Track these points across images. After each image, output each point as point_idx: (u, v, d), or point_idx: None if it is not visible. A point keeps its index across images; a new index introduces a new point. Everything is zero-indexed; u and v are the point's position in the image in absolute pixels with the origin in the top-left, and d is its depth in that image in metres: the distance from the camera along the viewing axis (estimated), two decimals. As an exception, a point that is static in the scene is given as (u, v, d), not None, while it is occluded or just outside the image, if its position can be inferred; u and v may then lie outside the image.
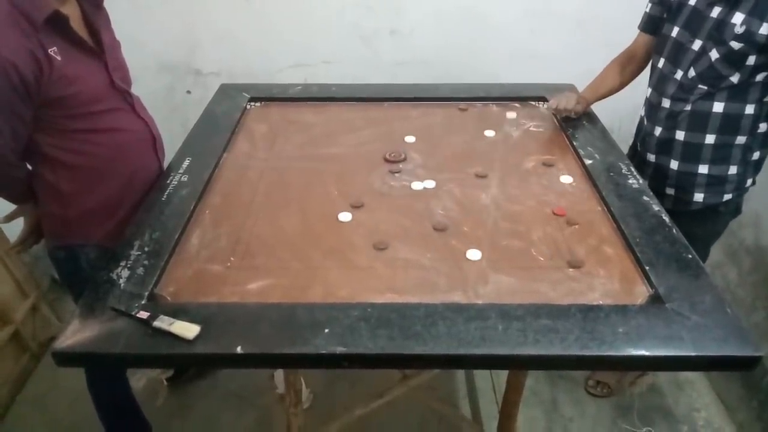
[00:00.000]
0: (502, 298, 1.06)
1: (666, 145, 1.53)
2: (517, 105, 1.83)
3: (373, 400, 1.61)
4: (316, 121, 1.75)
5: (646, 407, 1.95)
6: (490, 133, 1.67)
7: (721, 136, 1.45)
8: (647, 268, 1.11)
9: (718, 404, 1.97)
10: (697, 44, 1.40)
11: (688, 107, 1.45)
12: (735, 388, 1.96)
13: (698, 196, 1.53)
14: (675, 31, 1.46)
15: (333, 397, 1.95)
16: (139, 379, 2.00)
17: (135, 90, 1.41)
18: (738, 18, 1.31)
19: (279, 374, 1.77)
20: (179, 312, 1.01)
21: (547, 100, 1.78)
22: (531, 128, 1.70)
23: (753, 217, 1.99)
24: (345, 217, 1.30)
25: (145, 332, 0.98)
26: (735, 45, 1.32)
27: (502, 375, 1.75)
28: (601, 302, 1.05)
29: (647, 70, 1.63)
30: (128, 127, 1.36)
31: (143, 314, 1.00)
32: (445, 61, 2.30)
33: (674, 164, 1.53)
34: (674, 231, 1.22)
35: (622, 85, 1.68)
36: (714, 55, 1.36)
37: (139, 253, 1.16)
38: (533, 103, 1.85)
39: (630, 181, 1.39)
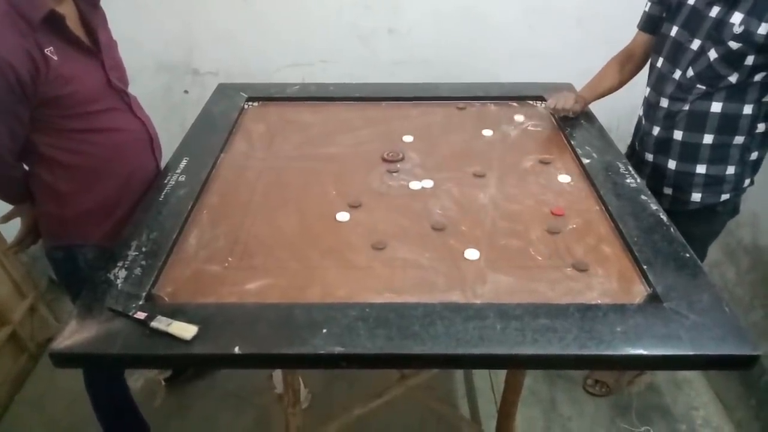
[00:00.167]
0: (500, 298, 1.06)
1: (664, 145, 1.53)
2: (517, 105, 1.83)
3: (372, 400, 1.61)
4: (314, 121, 1.75)
5: (645, 406, 1.96)
6: (488, 132, 1.67)
7: (719, 136, 1.45)
8: (645, 267, 1.11)
9: (717, 403, 1.98)
10: (696, 44, 1.40)
11: (687, 107, 1.45)
12: (733, 386, 1.96)
13: (696, 196, 1.53)
14: (674, 31, 1.46)
15: (331, 397, 1.95)
16: (137, 380, 2.00)
17: (133, 90, 1.41)
18: (737, 18, 1.31)
19: (277, 374, 1.77)
20: (177, 312, 1.00)
21: (545, 100, 1.78)
22: (529, 127, 1.70)
23: (751, 216, 2.00)
24: (343, 216, 1.30)
25: (143, 333, 0.98)
26: (733, 45, 1.32)
27: (501, 374, 1.75)
28: (599, 301, 1.05)
29: (646, 69, 1.63)
30: (125, 126, 1.35)
31: (141, 315, 1.00)
32: (444, 60, 2.30)
33: (672, 164, 1.53)
34: (672, 230, 1.22)
35: (620, 84, 1.68)
36: (713, 54, 1.36)
37: (137, 253, 1.16)
38: (531, 102, 1.85)
39: (628, 181, 1.39)
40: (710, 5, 1.36)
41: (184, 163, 1.47)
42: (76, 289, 1.30)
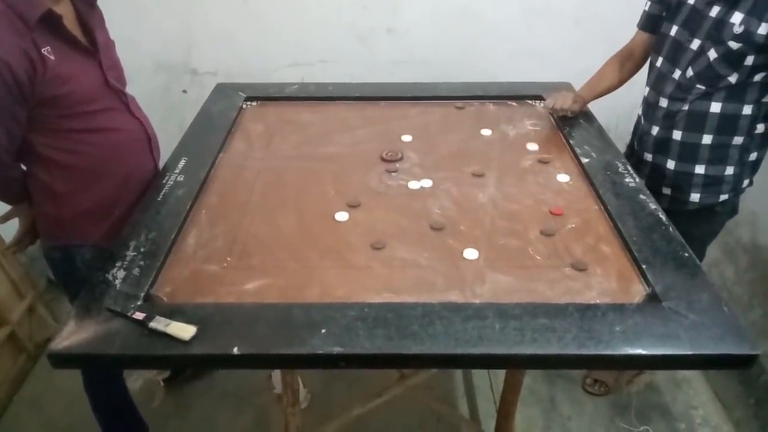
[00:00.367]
0: (499, 298, 1.06)
1: (663, 145, 1.53)
2: (516, 104, 1.83)
3: (371, 400, 1.61)
4: (313, 121, 1.75)
5: (644, 405, 1.96)
6: (486, 132, 1.67)
7: (718, 137, 1.44)
8: (644, 266, 1.11)
9: (716, 402, 1.98)
10: (695, 44, 1.40)
11: (686, 107, 1.45)
12: (732, 385, 1.96)
13: (695, 196, 1.53)
14: (674, 30, 1.46)
15: (330, 397, 1.95)
16: (135, 380, 2.00)
17: (131, 89, 1.41)
18: (737, 18, 1.30)
19: (276, 374, 1.77)
20: (175, 313, 1.00)
21: (544, 99, 1.78)
22: (528, 127, 1.70)
23: (750, 215, 2.00)
24: (342, 216, 1.30)
25: (142, 333, 0.98)
26: (733, 45, 1.31)
27: (500, 374, 1.75)
28: (598, 301, 1.05)
29: (645, 69, 1.63)
30: (123, 126, 1.35)
31: (139, 315, 0.99)
32: (442, 59, 2.29)
33: (671, 164, 1.53)
34: (671, 229, 1.22)
35: (620, 83, 1.68)
36: (712, 54, 1.35)
37: (135, 253, 1.16)
38: (530, 101, 1.85)
39: (627, 180, 1.39)
40: (710, 5, 1.36)
41: (182, 163, 1.47)
42: (74, 290, 1.29)
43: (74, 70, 1.21)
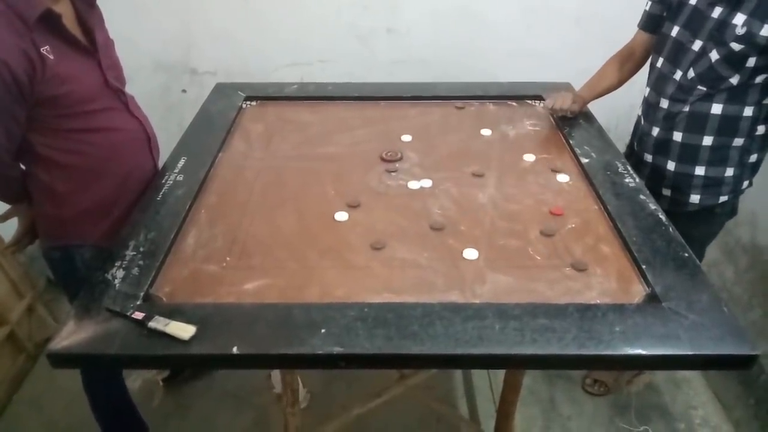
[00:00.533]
0: (499, 298, 1.06)
1: (663, 146, 1.53)
2: (516, 104, 1.83)
3: (371, 400, 1.61)
4: (312, 121, 1.75)
5: (643, 405, 1.96)
6: (486, 132, 1.67)
7: (718, 138, 1.44)
8: (644, 266, 1.11)
9: (715, 402, 1.98)
10: (697, 44, 1.39)
11: (687, 108, 1.45)
12: (732, 386, 1.96)
13: (694, 198, 1.53)
14: (675, 31, 1.46)
15: (330, 397, 1.95)
16: (135, 380, 2.00)
17: (130, 89, 1.41)
18: (739, 19, 1.30)
19: (276, 374, 1.77)
20: (175, 312, 1.00)
21: (543, 99, 1.78)
22: (528, 127, 1.70)
23: (749, 215, 2.00)
24: (341, 216, 1.30)
25: (141, 333, 0.97)
26: (735, 46, 1.31)
27: (500, 374, 1.75)
28: (598, 301, 1.05)
29: (645, 69, 1.63)
30: (122, 126, 1.35)
31: (138, 315, 0.99)
32: (442, 59, 2.29)
33: (671, 165, 1.53)
34: (671, 230, 1.21)
35: (620, 83, 1.67)
36: (714, 56, 1.35)
37: (135, 253, 1.16)
38: (530, 101, 1.85)
39: (626, 180, 1.39)
40: (712, 6, 1.35)
41: (182, 162, 1.47)
42: (73, 289, 1.29)
43: (73, 69, 1.21)
